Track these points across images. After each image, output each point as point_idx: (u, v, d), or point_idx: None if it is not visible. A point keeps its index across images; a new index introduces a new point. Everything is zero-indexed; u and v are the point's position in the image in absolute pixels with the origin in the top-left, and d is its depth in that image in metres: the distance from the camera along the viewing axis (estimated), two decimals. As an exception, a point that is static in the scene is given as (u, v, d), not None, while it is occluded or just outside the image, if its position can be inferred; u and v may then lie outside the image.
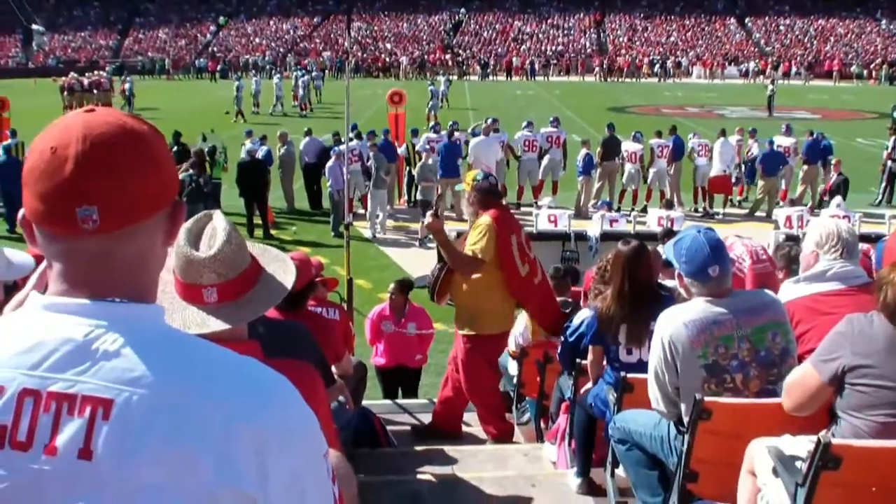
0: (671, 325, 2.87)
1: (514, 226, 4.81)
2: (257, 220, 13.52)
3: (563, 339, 4.30)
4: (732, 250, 4.55)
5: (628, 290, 3.72)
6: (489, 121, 15.48)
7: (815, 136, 15.12)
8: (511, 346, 5.48)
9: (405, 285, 6.56)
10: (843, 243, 3.06)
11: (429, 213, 4.67)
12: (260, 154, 14.07)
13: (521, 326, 5.33)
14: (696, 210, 15.13)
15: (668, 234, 7.83)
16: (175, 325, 1.62)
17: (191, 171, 12.14)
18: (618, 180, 15.07)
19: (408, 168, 15.53)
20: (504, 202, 4.99)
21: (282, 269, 1.78)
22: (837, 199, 12.11)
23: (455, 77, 36.51)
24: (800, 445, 2.49)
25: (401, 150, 15.25)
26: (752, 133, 15.70)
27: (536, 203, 14.92)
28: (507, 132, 15.64)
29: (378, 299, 10.31)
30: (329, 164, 13.44)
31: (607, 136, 15.29)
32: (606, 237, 10.07)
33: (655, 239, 10.10)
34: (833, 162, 14.11)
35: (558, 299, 5.33)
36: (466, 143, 15.15)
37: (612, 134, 15.29)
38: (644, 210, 14.13)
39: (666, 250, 3.05)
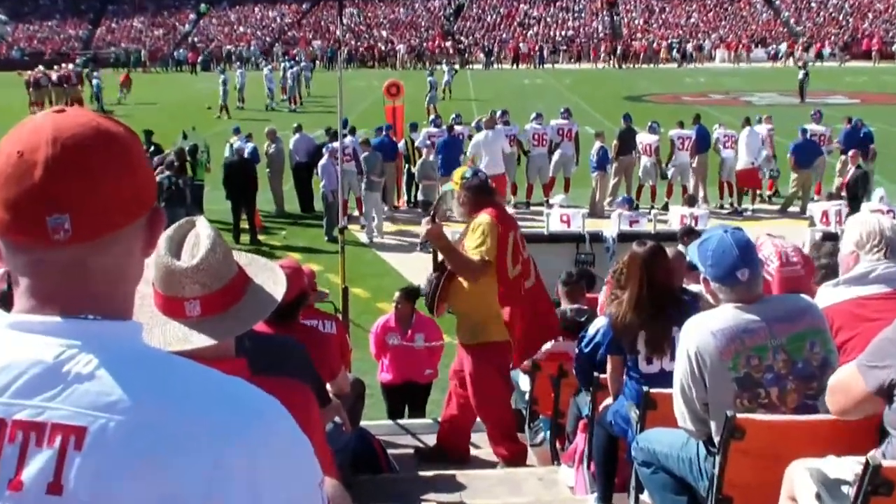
0: (698, 334, 2.85)
1: (513, 224, 4.84)
2: (244, 225, 13.56)
3: (577, 350, 4.29)
4: (761, 251, 4.56)
5: (646, 295, 3.73)
6: (498, 113, 15.49)
7: (853, 122, 15.03)
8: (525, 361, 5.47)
9: (411, 293, 6.52)
10: (887, 242, 3.03)
11: (424, 219, 4.64)
12: (247, 153, 14.13)
13: None
14: (722, 207, 15.12)
15: (689, 232, 7.82)
16: (154, 342, 1.62)
17: (168, 172, 12.15)
18: (634, 175, 15.08)
19: (407, 166, 15.56)
20: (497, 199, 4.98)
21: (271, 279, 1.79)
22: (880, 191, 12.04)
23: (457, 66, 36.57)
24: (846, 467, 2.44)
25: (399, 147, 15.28)
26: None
27: (547, 202, 14.91)
28: (516, 124, 15.67)
29: (376, 309, 10.39)
30: (321, 162, 13.46)
31: (623, 128, 15.29)
32: (625, 238, 10.05)
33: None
34: (866, 151, 14.02)
35: (572, 306, 5.32)
36: (470, 137, 15.16)
37: (629, 125, 15.29)
38: (665, 207, 14.13)
39: (690, 252, 3.04)
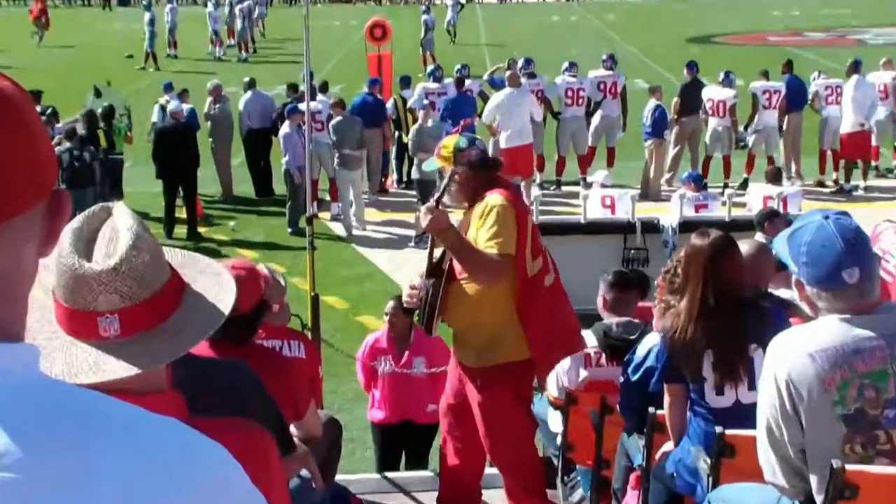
0: (790, 356, 2.85)
1: (526, 207, 4.91)
2: (179, 214, 13.60)
3: (623, 378, 4.29)
4: (878, 242, 4.55)
5: (711, 301, 3.74)
6: (519, 63, 15.51)
7: None
8: (552, 389, 5.47)
9: None
10: None
11: (424, 206, 4.60)
12: (184, 117, 14.16)
13: (569, 359, 5.33)
14: (821, 184, 15.15)
15: (770, 216, 7.80)
16: (56, 371, 1.61)
17: (70, 144, 12.08)
18: (702, 144, 15.11)
19: (397, 133, 15.56)
20: (504, 176, 5.07)
21: (215, 284, 1.80)
22: None
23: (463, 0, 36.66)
24: None
25: (387, 109, 15.31)
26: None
27: (584, 179, 14.93)
28: (543, 75, 15.72)
29: (356, 324, 10.38)
30: (282, 131, 13.50)
31: (688, 81, 15.30)
32: (689, 227, 10.00)
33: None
34: None
35: (619, 320, 5.32)
36: (482, 95, 15.16)
37: (695, 77, 15.30)
38: (744, 186, 14.14)
39: (777, 245, 3.04)
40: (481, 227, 4.63)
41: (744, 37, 33.32)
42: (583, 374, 5.33)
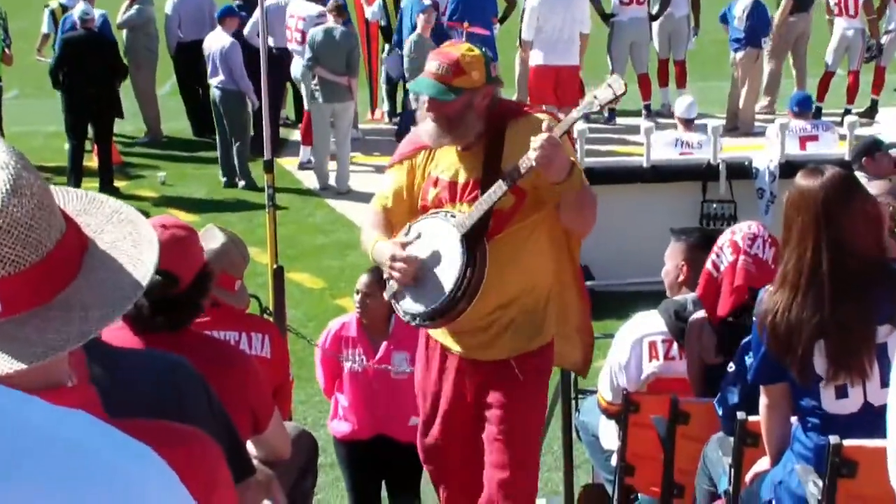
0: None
1: None
2: (89, 162, 13.65)
3: (731, 374, 4.40)
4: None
5: (826, 269, 3.76)
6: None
7: None
8: (604, 391, 5.50)
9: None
10: None
11: (544, 136, 4.61)
12: (97, 24, 14.00)
13: (627, 350, 5.37)
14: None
15: (871, 148, 7.73)
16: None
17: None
18: (814, 55, 15.04)
19: (386, 47, 15.52)
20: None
21: (128, 236, 1.81)
22: None
23: None
24: None
25: (371, 13, 15.27)
26: None
27: (648, 108, 14.88)
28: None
29: (334, 308, 10.19)
30: (219, 43, 13.47)
31: None
32: (793, 170, 9.98)
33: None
34: None
35: (693, 295, 5.37)
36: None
37: None
38: (872, 111, 14.08)
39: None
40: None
41: None
42: (647, 369, 5.41)
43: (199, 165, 14.55)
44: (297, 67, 13.81)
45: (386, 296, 5.14)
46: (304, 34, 13.76)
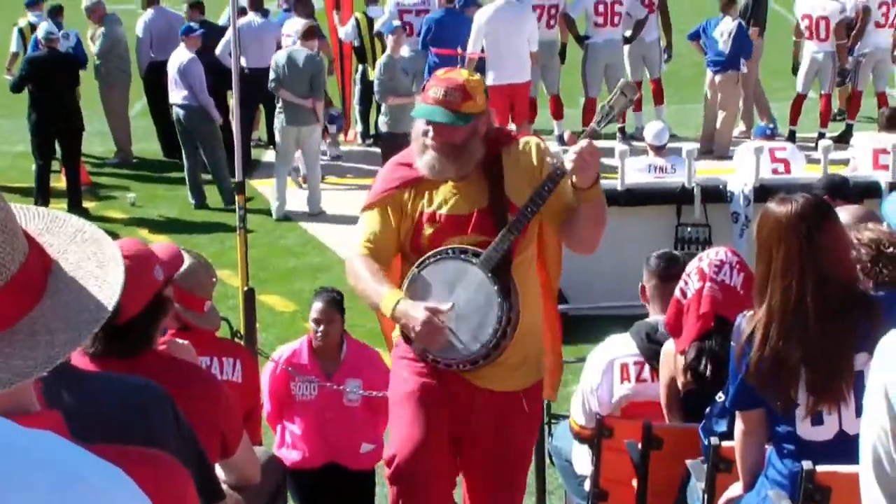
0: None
1: None
2: (56, 182, 13.61)
3: (717, 406, 4.43)
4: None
5: (808, 296, 3.78)
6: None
7: None
8: (576, 415, 5.51)
9: (340, 298, 6.62)
10: None
11: (584, 143, 4.62)
12: (64, 45, 13.98)
13: (598, 373, 5.39)
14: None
15: (838, 187, 7.73)
16: None
17: None
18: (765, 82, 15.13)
19: (360, 67, 15.57)
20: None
21: (93, 257, 1.78)
22: None
23: None
24: None
25: (344, 33, 15.29)
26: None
27: (622, 130, 14.90)
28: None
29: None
30: (180, 59, 13.43)
31: None
32: (767, 194, 10.00)
33: (870, 195, 10.06)
34: None
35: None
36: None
37: None
38: (846, 133, 14.15)
39: (886, 209, 3.08)
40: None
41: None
42: (619, 391, 5.42)
43: (170, 187, 14.49)
44: None
45: (415, 352, 4.89)
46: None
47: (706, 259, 4.97)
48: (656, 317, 5.47)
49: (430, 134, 4.71)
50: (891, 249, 4.12)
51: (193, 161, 13.56)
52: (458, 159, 4.73)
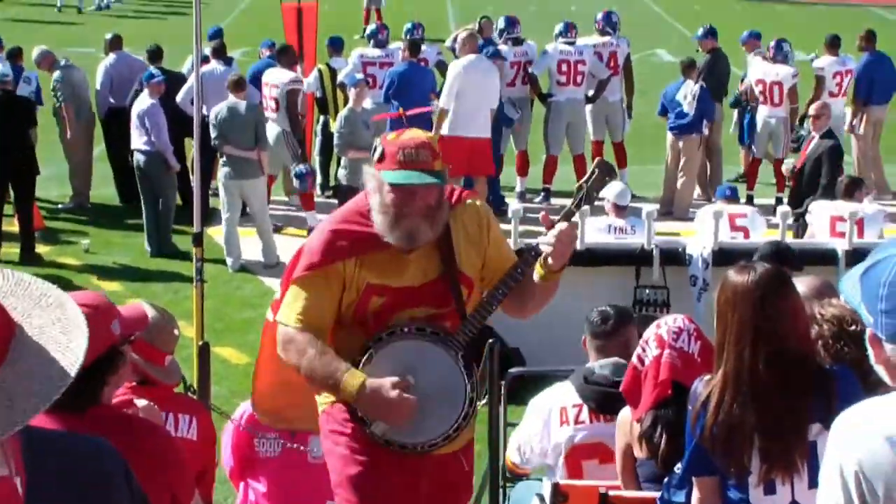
0: (862, 440, 2.89)
1: None
2: (9, 226, 13.53)
3: (675, 477, 4.42)
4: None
5: (763, 368, 3.81)
6: (498, 24, 15.61)
7: None
8: (512, 453, 5.65)
9: None
10: None
11: (563, 225, 4.55)
12: (24, 89, 14.01)
13: (538, 420, 5.54)
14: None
15: (780, 253, 7.82)
16: None
17: None
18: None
19: (322, 119, 15.61)
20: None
21: (57, 322, 1.80)
22: None
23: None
24: None
25: (306, 84, 15.31)
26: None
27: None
28: (532, 43, 15.84)
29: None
30: (137, 105, 13.45)
31: (708, 58, 15.45)
32: (726, 258, 10.08)
33: (827, 261, 10.25)
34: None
35: (606, 360, 5.54)
36: (440, 66, 15.16)
37: (716, 50, 15.46)
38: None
39: (845, 286, 3.09)
40: (503, 243, 4.99)
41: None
42: (557, 436, 5.51)
43: (126, 233, 14.41)
44: (271, 133, 13.73)
45: (374, 436, 4.69)
46: (277, 102, 13.82)
47: (664, 326, 4.96)
48: (593, 363, 5.57)
49: (411, 201, 4.53)
50: (853, 327, 4.16)
51: (152, 208, 13.49)
52: (434, 222, 4.60)
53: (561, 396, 5.57)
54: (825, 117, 13.25)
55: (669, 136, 14.98)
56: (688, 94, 14.64)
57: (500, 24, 15.67)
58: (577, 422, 5.47)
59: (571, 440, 5.50)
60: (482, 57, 14.02)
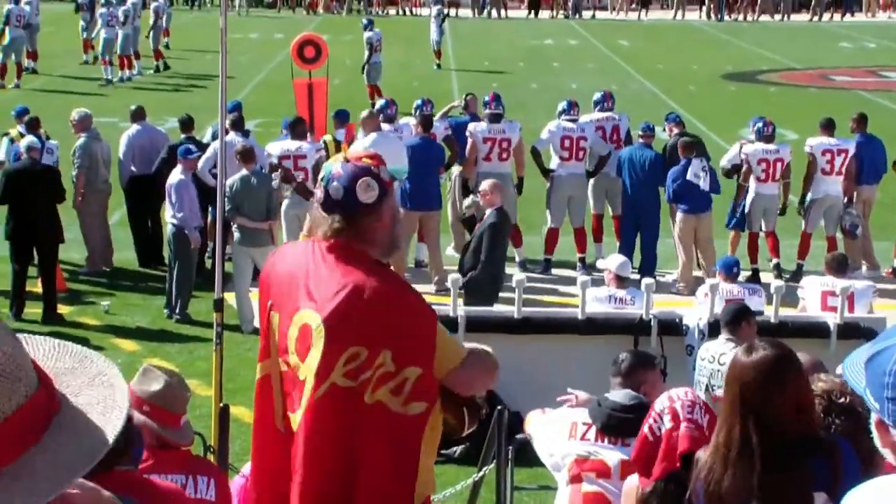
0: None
1: None
2: (32, 287, 13.53)
3: None
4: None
5: (756, 441, 3.82)
6: (486, 98, 15.74)
7: None
8: (542, 454, 5.79)
9: None
10: None
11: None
12: (47, 157, 13.99)
13: (555, 423, 5.77)
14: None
15: (739, 316, 7.87)
16: None
17: None
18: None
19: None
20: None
21: (102, 402, 1.75)
22: None
23: (445, 10, 36.55)
24: None
25: (312, 153, 15.32)
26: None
27: (583, 261, 15.08)
28: (515, 122, 15.95)
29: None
30: (171, 178, 13.53)
31: (676, 138, 15.39)
32: (719, 331, 10.11)
33: (818, 335, 10.24)
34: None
35: (619, 391, 5.72)
36: (448, 140, 15.27)
37: (682, 134, 15.45)
38: (797, 274, 14.28)
39: (848, 370, 3.07)
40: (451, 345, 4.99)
41: (797, 74, 33.65)
42: (564, 447, 5.72)
43: (145, 296, 14.43)
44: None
45: None
46: (306, 171, 14.12)
47: (678, 400, 4.96)
48: (612, 393, 5.83)
49: None
50: (842, 400, 4.17)
51: (182, 275, 13.45)
52: None
53: (577, 414, 5.84)
54: None
55: (681, 216, 14.75)
56: (698, 173, 14.56)
57: (486, 100, 15.79)
58: (582, 438, 5.66)
59: (574, 454, 5.67)
60: (385, 133, 14.54)
